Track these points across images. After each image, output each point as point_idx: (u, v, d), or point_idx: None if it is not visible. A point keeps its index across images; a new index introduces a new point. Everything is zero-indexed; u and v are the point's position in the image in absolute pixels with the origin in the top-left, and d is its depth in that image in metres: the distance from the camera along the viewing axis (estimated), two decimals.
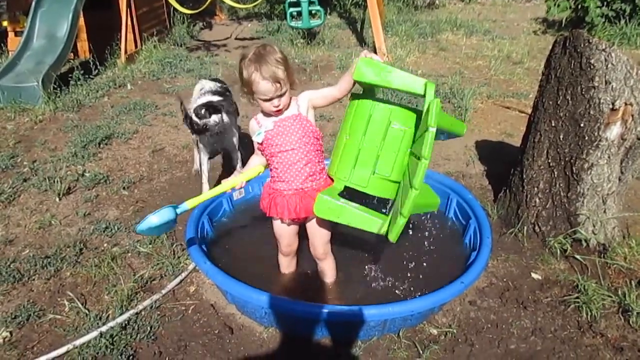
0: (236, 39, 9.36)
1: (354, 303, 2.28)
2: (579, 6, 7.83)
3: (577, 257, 2.89)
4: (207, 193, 2.47)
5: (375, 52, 7.05)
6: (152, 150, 4.57)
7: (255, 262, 2.88)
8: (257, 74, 2.19)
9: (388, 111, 2.19)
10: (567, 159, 2.90)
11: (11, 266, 2.97)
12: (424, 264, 2.80)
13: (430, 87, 1.97)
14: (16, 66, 6.12)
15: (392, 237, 2.04)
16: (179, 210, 2.36)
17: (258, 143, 2.41)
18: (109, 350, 2.33)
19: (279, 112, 2.33)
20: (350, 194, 2.32)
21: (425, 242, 3.02)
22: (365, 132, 2.22)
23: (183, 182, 4.02)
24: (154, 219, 2.28)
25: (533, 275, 2.83)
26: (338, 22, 9.94)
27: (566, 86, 2.83)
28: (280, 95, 2.26)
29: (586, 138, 2.80)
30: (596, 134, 2.78)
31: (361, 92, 2.30)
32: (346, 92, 2.29)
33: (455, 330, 2.45)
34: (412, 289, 2.55)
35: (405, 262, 2.81)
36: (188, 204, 2.38)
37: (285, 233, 2.58)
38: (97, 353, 2.32)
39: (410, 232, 2.87)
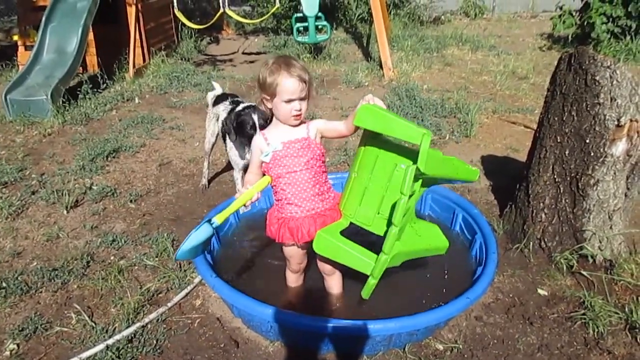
0: (243, 53, 9.45)
1: (360, 317, 2.27)
2: (585, 22, 7.86)
3: (584, 273, 2.89)
4: (230, 207, 2.36)
5: (381, 66, 7.11)
6: (159, 164, 4.61)
7: (261, 276, 2.89)
8: (285, 73, 2.24)
9: (395, 152, 2.20)
10: (572, 174, 2.91)
11: (19, 278, 2.99)
12: (430, 279, 2.80)
13: (426, 140, 1.96)
14: (26, 80, 6.20)
15: (364, 294, 2.18)
16: (214, 225, 2.31)
17: (264, 163, 2.42)
18: None
19: (298, 117, 2.32)
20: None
21: (431, 257, 3.02)
22: (372, 172, 2.24)
23: (190, 196, 4.04)
24: (193, 239, 2.21)
25: (539, 291, 2.82)
26: (344, 37, 10.02)
27: (571, 102, 2.85)
28: (303, 99, 2.28)
29: (592, 154, 2.81)
30: (602, 150, 2.78)
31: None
32: (353, 131, 2.30)
33: (461, 346, 2.44)
34: (417, 303, 2.55)
35: (410, 277, 2.81)
36: (218, 220, 2.32)
37: (296, 254, 2.59)
38: None
39: None
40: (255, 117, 3.23)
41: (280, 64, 2.26)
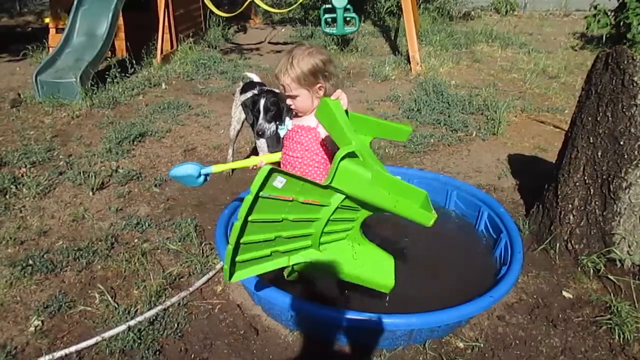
0: (269, 43, 9.45)
1: (381, 311, 2.25)
2: (621, 22, 7.65)
3: (611, 277, 2.82)
4: (233, 163, 2.68)
5: (408, 61, 7.04)
6: (184, 150, 4.63)
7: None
8: (278, 64, 2.29)
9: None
10: (604, 176, 2.84)
11: (45, 257, 3.04)
12: (453, 276, 2.77)
13: (342, 152, 1.95)
14: (56, 62, 6.29)
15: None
16: (203, 171, 2.65)
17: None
18: (136, 344, 2.36)
19: (295, 110, 2.41)
20: None
21: (455, 254, 3.00)
22: None
23: (213, 182, 4.05)
24: (181, 169, 2.64)
25: (564, 293, 2.77)
26: (372, 30, 9.95)
27: (607, 103, 2.78)
28: (290, 97, 2.33)
29: (625, 156, 2.74)
30: (636, 152, 2.71)
31: None
32: None
33: (482, 345, 2.41)
34: (440, 300, 2.51)
35: (434, 273, 2.80)
36: (214, 168, 2.69)
37: None
38: (125, 347, 2.35)
39: (439, 243, 2.84)
40: (262, 100, 3.29)
41: (286, 52, 2.29)
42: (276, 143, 3.50)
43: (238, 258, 2.01)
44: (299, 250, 2.20)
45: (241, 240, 1.96)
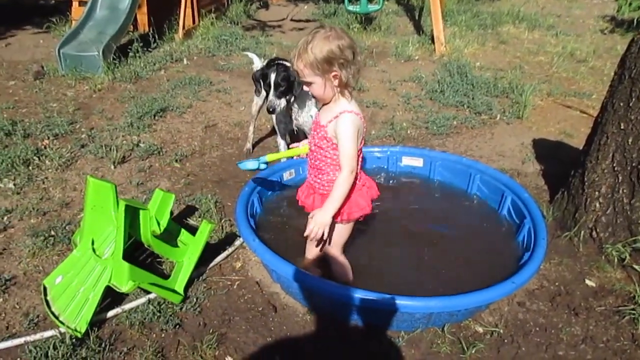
0: (292, 20, 9.35)
1: (401, 294, 2.23)
2: None
3: (636, 267, 2.76)
4: (283, 153, 2.92)
5: (432, 41, 6.92)
6: (205, 126, 4.63)
7: (303, 243, 2.87)
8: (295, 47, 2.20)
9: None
10: (634, 164, 2.76)
11: (67, 228, 3.07)
12: (474, 260, 2.74)
13: None
14: (79, 35, 6.30)
15: None
16: (261, 160, 2.81)
17: None
18: (155, 317, 2.38)
19: (314, 97, 2.38)
20: None
21: (477, 239, 2.96)
22: None
23: (233, 159, 4.04)
24: (247, 164, 2.79)
25: (587, 281, 2.72)
26: (396, 9, 9.79)
27: None
28: (305, 83, 2.22)
29: None
30: None
31: None
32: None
33: (501, 330, 2.39)
34: (460, 284, 2.48)
35: (455, 257, 2.77)
36: (267, 157, 2.83)
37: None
38: (145, 319, 2.37)
39: (461, 227, 2.81)
40: (273, 75, 3.29)
41: (304, 37, 2.17)
42: (288, 119, 3.61)
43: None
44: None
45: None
